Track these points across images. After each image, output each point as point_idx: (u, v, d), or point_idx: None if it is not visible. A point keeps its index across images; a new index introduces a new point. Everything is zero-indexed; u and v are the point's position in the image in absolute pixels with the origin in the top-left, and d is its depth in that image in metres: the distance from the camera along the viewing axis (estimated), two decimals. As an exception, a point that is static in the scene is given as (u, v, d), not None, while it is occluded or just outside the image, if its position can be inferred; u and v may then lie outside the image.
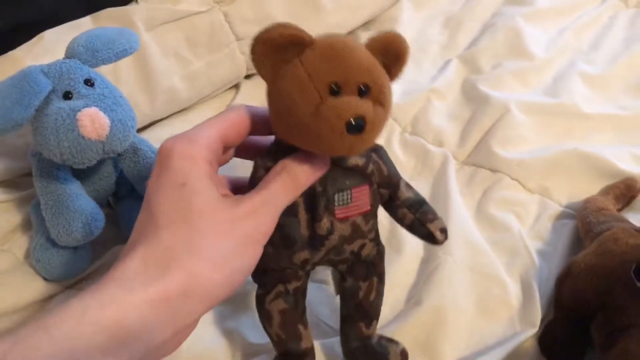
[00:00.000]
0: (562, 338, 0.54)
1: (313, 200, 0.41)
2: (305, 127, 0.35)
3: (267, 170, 0.39)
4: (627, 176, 0.70)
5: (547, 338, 0.55)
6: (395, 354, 0.50)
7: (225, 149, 0.40)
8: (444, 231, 0.46)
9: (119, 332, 0.31)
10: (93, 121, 0.51)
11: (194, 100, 0.83)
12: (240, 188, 0.42)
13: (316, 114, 0.34)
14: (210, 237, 0.35)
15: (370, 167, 0.42)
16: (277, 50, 0.36)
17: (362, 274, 0.47)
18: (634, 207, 0.69)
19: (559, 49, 0.94)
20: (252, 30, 0.83)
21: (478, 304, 0.58)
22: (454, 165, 0.75)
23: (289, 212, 0.40)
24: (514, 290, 0.59)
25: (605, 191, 0.68)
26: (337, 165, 0.40)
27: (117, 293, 0.32)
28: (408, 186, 0.46)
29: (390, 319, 0.57)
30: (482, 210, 0.69)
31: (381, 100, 0.37)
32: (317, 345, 0.54)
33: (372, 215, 0.44)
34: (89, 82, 0.55)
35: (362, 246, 0.45)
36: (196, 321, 0.36)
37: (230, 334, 0.54)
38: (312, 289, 0.58)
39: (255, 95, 0.87)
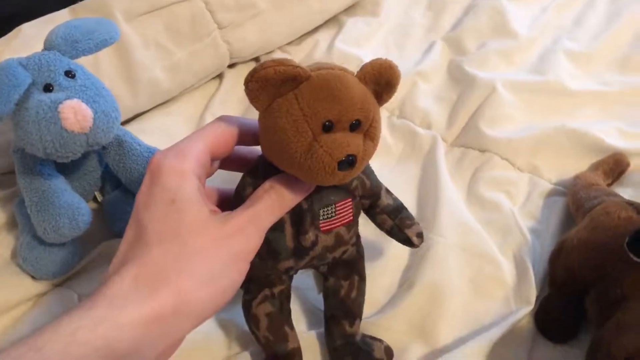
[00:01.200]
0: (558, 314, 0.54)
1: (299, 217, 0.42)
2: (297, 163, 0.36)
3: (255, 187, 0.40)
4: (615, 151, 0.70)
5: (542, 315, 0.55)
6: (380, 350, 0.51)
7: (212, 161, 0.40)
8: (420, 235, 0.49)
9: (111, 352, 0.31)
10: (76, 113, 0.50)
11: (177, 92, 0.82)
12: (228, 199, 0.43)
13: (309, 152, 0.35)
14: (200, 255, 0.35)
15: (355, 182, 0.44)
16: (272, 86, 0.36)
17: (342, 274, 0.49)
18: (623, 182, 0.69)
19: (543, 27, 0.93)
20: (234, 18, 0.84)
21: (472, 284, 0.58)
22: (443, 147, 0.74)
23: (276, 227, 0.41)
24: (508, 269, 0.59)
25: (595, 167, 0.69)
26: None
27: (109, 312, 0.32)
28: (388, 193, 0.49)
29: (385, 304, 0.56)
30: (473, 190, 0.69)
31: (371, 135, 0.38)
32: (312, 335, 0.53)
33: (354, 224, 0.46)
34: (69, 74, 0.53)
35: (344, 252, 0.47)
36: (184, 336, 0.37)
37: (226, 324, 0.54)
38: (303, 277, 0.58)
39: (239, 84, 0.85)
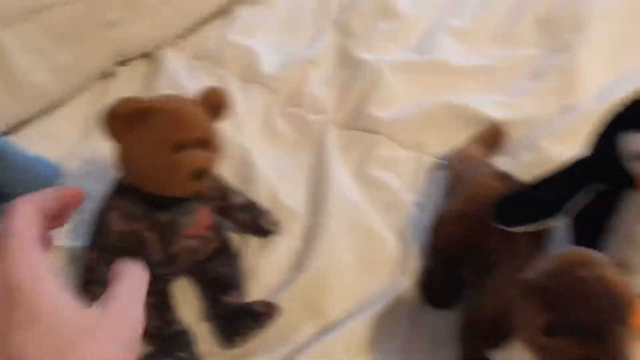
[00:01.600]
0: (439, 282, 0.58)
1: (165, 230, 0.48)
2: (157, 181, 0.44)
3: (123, 211, 0.47)
4: (494, 123, 0.74)
5: (425, 283, 0.58)
6: (260, 305, 0.54)
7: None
8: (274, 223, 0.59)
9: None
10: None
11: (65, 94, 0.80)
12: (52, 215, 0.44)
13: (166, 170, 0.43)
14: (98, 355, 0.36)
15: (209, 190, 0.51)
16: (127, 121, 0.43)
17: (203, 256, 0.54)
18: (503, 151, 0.72)
19: (426, 5, 0.96)
20: (118, 15, 0.82)
21: (361, 261, 0.60)
22: (334, 131, 0.76)
23: (142, 247, 0.48)
24: (394, 244, 0.62)
25: (475, 139, 0.72)
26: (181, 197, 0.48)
27: None
28: (235, 193, 0.56)
29: (277, 287, 0.58)
30: (362, 171, 0.71)
31: (214, 147, 0.46)
32: (203, 326, 0.55)
33: (216, 226, 0.53)
34: None
35: (212, 249, 0.54)
36: None
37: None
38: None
39: (131, 82, 0.85)
